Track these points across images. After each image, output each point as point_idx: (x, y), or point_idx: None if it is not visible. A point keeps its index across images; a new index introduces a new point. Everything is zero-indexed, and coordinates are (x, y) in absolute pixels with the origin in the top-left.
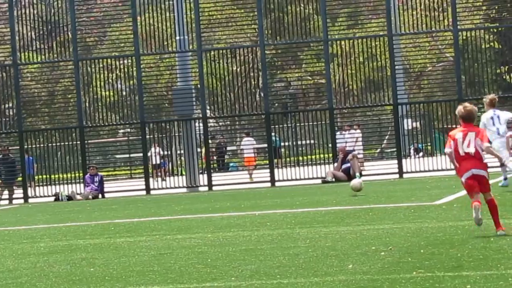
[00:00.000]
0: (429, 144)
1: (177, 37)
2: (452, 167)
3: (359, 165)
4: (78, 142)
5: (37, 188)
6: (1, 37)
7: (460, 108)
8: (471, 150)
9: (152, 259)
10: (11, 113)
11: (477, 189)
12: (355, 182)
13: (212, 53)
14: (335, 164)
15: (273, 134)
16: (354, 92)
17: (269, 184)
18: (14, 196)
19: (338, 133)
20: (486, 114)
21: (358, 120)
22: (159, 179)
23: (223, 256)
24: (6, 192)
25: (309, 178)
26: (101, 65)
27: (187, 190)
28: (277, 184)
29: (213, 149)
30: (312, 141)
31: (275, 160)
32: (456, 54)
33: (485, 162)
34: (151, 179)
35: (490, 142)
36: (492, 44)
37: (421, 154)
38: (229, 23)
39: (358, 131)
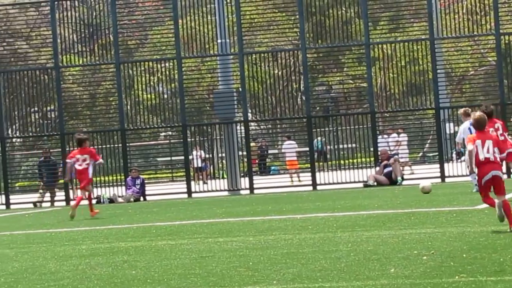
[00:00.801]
0: None
1: (219, 40)
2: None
3: (401, 169)
4: (120, 145)
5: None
6: (43, 40)
7: (472, 118)
8: (491, 156)
9: (193, 262)
10: (53, 115)
11: (489, 190)
12: (426, 184)
13: (254, 56)
14: (377, 168)
15: (318, 138)
16: (396, 96)
17: (310, 188)
18: (55, 198)
19: (380, 137)
20: (464, 125)
21: (400, 124)
22: (201, 182)
23: (265, 259)
24: (47, 194)
25: (350, 182)
26: (142, 68)
27: (228, 193)
28: (318, 187)
29: (259, 152)
30: (353, 145)
31: (319, 164)
32: (498, 58)
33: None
34: (192, 182)
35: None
36: None
37: (463, 158)
38: (271, 26)
39: (403, 134)
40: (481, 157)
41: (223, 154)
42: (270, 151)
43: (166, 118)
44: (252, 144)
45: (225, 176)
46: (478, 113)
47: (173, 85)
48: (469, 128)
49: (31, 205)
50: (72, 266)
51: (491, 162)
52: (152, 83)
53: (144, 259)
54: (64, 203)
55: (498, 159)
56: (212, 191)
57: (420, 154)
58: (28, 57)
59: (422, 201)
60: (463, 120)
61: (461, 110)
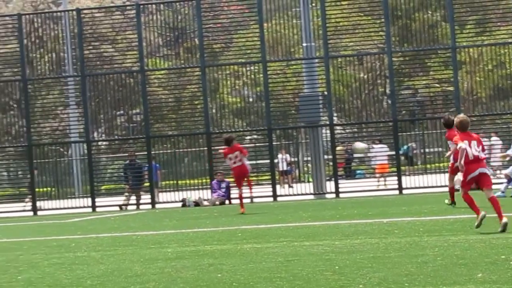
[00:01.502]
0: None
1: (304, 44)
2: None
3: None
4: (205, 148)
5: (164, 194)
6: (128, 43)
7: (455, 119)
8: (478, 154)
9: (279, 266)
10: (138, 118)
11: (471, 185)
12: None
13: (339, 60)
14: None
15: (410, 143)
16: (483, 99)
17: (396, 192)
18: (141, 201)
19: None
20: None
21: (488, 128)
22: (286, 185)
23: (351, 263)
24: (133, 197)
25: (437, 186)
26: (227, 72)
27: (314, 197)
28: (404, 191)
29: (346, 155)
30: (440, 149)
31: (406, 168)
32: None
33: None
34: (278, 186)
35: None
36: None
37: None
38: (356, 30)
39: (495, 138)
40: (470, 155)
41: (309, 158)
42: (355, 155)
43: (252, 122)
44: (339, 147)
45: (310, 179)
46: (461, 116)
47: (258, 88)
48: None
49: (117, 208)
50: (158, 269)
51: (479, 160)
52: (237, 86)
53: (229, 262)
54: (149, 206)
55: (484, 157)
56: (298, 194)
57: (508, 158)
58: (114, 61)
59: (510, 206)
60: None
61: None
